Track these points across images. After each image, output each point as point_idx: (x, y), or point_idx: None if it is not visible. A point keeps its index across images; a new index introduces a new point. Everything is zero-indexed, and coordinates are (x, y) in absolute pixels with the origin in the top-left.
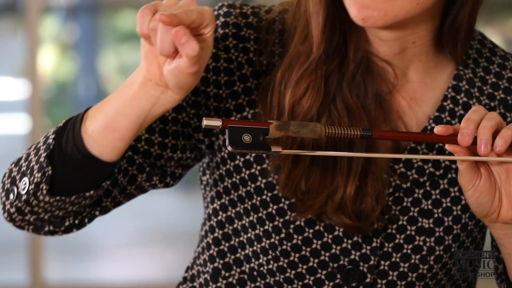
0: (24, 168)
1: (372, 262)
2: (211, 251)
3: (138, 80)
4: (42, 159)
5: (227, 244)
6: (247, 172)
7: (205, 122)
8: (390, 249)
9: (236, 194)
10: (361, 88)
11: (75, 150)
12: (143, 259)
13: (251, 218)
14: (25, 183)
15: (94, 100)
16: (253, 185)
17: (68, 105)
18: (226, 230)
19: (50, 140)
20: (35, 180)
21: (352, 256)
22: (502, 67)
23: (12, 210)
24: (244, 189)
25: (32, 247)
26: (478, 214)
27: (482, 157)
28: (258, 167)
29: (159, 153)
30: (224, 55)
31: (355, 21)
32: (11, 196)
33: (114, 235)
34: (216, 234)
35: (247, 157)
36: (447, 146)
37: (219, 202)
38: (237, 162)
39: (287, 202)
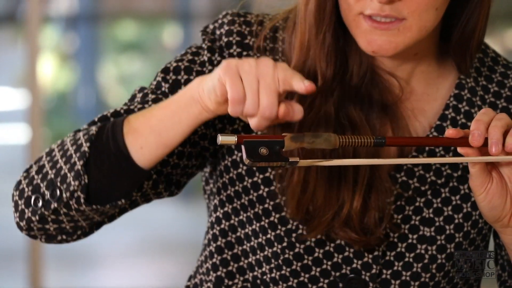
0: (52, 176)
1: (374, 271)
2: (214, 260)
3: (196, 107)
4: (78, 167)
5: (230, 253)
6: (250, 180)
7: (221, 138)
8: (392, 258)
9: (239, 202)
10: (365, 101)
11: (115, 160)
12: (142, 269)
13: (253, 226)
14: (56, 191)
15: (94, 110)
16: (255, 194)
17: (67, 115)
18: (229, 238)
19: (85, 148)
20: (71, 189)
21: (354, 265)
22: (505, 76)
23: (34, 218)
24: (246, 198)
25: (31, 256)
26: (490, 218)
27: (494, 157)
28: (261, 176)
29: (165, 159)
30: None
31: (365, 51)
32: (37, 203)
33: (114, 245)
34: (219, 243)
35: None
36: (459, 149)
37: (222, 211)
38: (240, 170)
39: (289, 211)
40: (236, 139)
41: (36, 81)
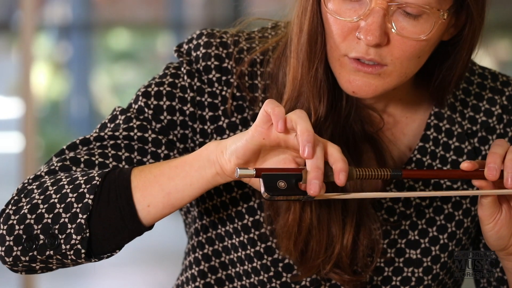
0: (48, 221)
1: None
2: (197, 283)
3: (210, 170)
4: (81, 221)
5: (214, 277)
6: (234, 209)
7: (239, 172)
8: (379, 283)
9: (223, 229)
10: (350, 137)
11: (120, 216)
12: (134, 277)
13: (239, 254)
14: (55, 241)
15: (87, 119)
16: (240, 223)
17: (60, 124)
18: (212, 263)
19: (88, 201)
20: (72, 242)
21: None
22: (481, 87)
23: (24, 258)
24: (231, 226)
25: None
26: (496, 247)
27: (506, 190)
28: (245, 205)
29: None
30: (208, 88)
31: (345, 91)
32: (30, 245)
33: None
34: (202, 267)
35: (233, 194)
36: (474, 182)
37: (204, 236)
38: (223, 198)
39: (275, 240)
40: (254, 173)
41: (30, 90)
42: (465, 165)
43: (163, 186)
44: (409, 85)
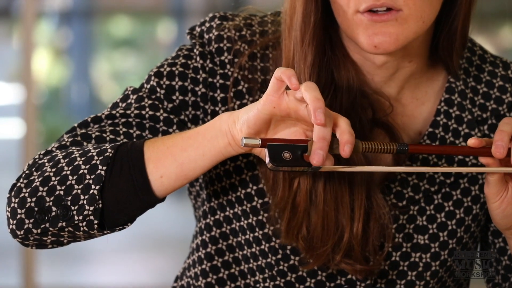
0: (61, 193)
1: (368, 281)
2: (204, 266)
3: (222, 140)
4: (94, 192)
5: (220, 260)
6: (243, 191)
7: (245, 141)
8: (386, 267)
9: (231, 211)
10: (356, 120)
11: (133, 187)
12: (134, 264)
13: (247, 236)
14: (67, 212)
15: (87, 105)
16: (249, 205)
17: (61, 110)
18: (219, 245)
19: (101, 172)
20: (84, 213)
21: (349, 276)
22: (493, 75)
23: (36, 230)
24: (240, 208)
25: (25, 251)
26: (502, 226)
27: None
28: (254, 187)
29: None
30: (220, 70)
31: (367, 49)
32: (42, 217)
33: (106, 240)
34: (208, 249)
35: (243, 176)
36: (480, 159)
37: (212, 218)
38: (232, 180)
39: (283, 223)
40: (260, 142)
41: (30, 76)
42: (472, 141)
43: (176, 157)
44: (424, 62)
